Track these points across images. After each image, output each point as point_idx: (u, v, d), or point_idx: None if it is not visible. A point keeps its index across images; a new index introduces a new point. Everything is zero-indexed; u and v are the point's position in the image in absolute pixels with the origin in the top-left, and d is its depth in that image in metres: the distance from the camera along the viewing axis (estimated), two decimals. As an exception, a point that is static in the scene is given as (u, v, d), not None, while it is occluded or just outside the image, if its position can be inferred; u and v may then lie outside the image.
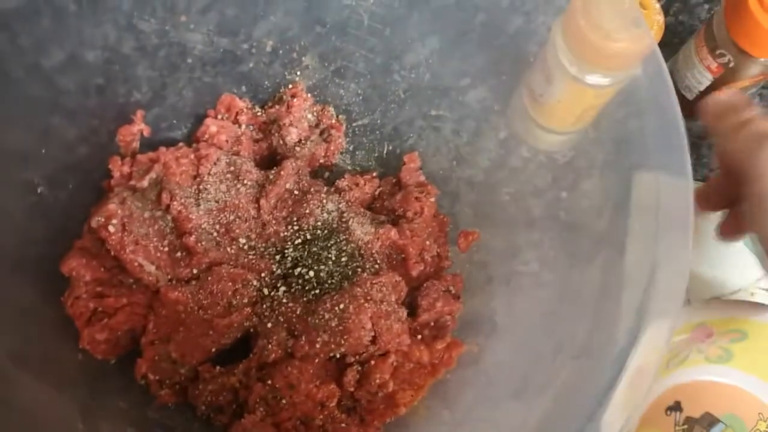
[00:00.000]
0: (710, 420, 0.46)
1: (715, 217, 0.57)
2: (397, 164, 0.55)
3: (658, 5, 0.55)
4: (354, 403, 0.45)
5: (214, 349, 0.45)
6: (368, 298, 0.45)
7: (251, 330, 0.46)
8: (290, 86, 0.54)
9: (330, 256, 0.47)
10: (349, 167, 0.56)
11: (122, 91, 0.50)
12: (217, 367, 0.45)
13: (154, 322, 0.45)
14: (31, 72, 0.46)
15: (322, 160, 0.54)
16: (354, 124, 0.56)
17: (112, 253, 0.44)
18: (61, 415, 0.41)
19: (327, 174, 0.56)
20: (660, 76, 0.41)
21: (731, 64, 0.53)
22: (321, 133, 0.55)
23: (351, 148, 0.56)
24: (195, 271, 0.46)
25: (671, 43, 0.63)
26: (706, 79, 0.56)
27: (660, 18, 0.55)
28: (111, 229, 0.44)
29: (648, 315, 0.41)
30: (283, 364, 0.44)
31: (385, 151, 0.56)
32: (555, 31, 0.41)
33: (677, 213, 0.45)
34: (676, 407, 0.47)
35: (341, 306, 0.45)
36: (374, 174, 0.54)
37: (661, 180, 0.49)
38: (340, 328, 0.44)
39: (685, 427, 0.47)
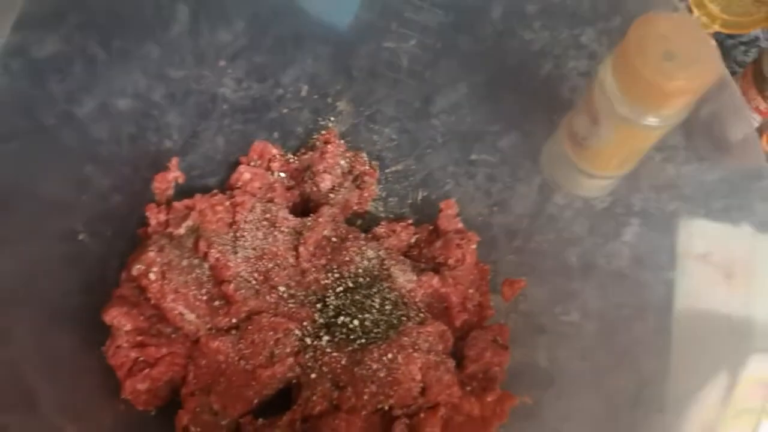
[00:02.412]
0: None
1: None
2: (431, 211, 0.56)
3: (714, 42, 0.56)
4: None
5: (256, 401, 0.45)
6: (416, 348, 0.45)
7: (294, 381, 0.46)
8: (323, 132, 0.56)
9: (374, 304, 0.48)
10: (383, 214, 0.57)
11: (154, 140, 0.51)
12: (260, 420, 0.45)
13: (195, 373, 0.45)
14: (63, 120, 0.47)
15: (355, 207, 0.55)
16: (387, 171, 0.57)
17: (152, 301, 0.45)
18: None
19: (359, 221, 0.57)
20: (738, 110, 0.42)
21: (783, 104, 0.55)
22: (354, 180, 0.56)
23: (384, 195, 0.57)
24: (234, 321, 0.47)
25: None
26: (754, 121, 0.57)
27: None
28: (151, 276, 0.45)
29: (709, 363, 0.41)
30: (329, 417, 0.44)
31: (419, 198, 0.57)
32: (603, 71, 0.42)
33: (737, 261, 0.46)
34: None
35: (389, 356, 0.45)
36: (410, 221, 0.55)
37: (710, 227, 0.50)
38: (389, 379, 0.44)
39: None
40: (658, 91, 0.39)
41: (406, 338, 0.46)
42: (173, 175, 0.50)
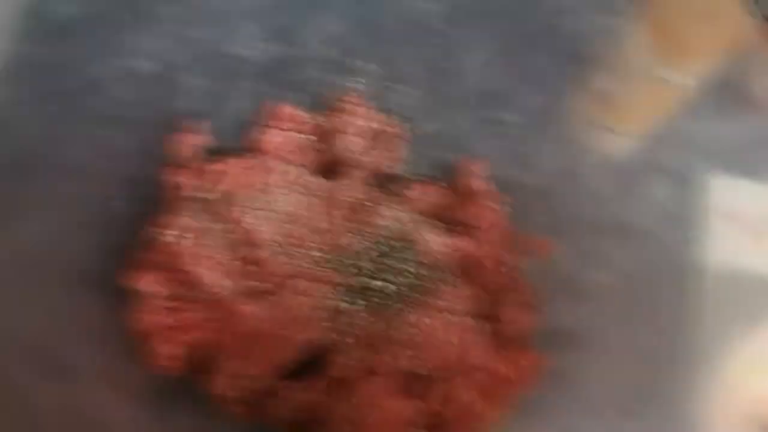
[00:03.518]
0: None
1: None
2: (461, 173, 0.55)
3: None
4: (439, 421, 0.45)
5: (291, 366, 0.46)
6: (452, 311, 0.45)
7: (329, 345, 0.47)
8: (351, 94, 0.55)
9: (408, 268, 0.48)
10: (413, 176, 0.56)
11: (179, 103, 0.51)
12: (295, 384, 0.45)
13: (229, 338, 0.45)
14: (88, 84, 0.48)
15: (385, 170, 0.55)
16: (416, 132, 0.57)
17: (186, 267, 0.45)
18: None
19: (390, 185, 0.56)
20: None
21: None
22: (383, 142, 0.55)
23: (414, 157, 0.57)
24: (269, 286, 0.47)
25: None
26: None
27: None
28: (185, 242, 0.45)
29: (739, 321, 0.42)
30: (365, 381, 0.44)
31: (449, 160, 0.57)
32: (627, 26, 0.41)
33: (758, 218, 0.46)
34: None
35: (426, 320, 0.45)
36: (439, 183, 0.55)
37: (739, 185, 0.50)
38: (426, 343, 0.44)
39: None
40: (681, 46, 0.38)
41: (441, 302, 0.46)
42: (200, 138, 0.50)
